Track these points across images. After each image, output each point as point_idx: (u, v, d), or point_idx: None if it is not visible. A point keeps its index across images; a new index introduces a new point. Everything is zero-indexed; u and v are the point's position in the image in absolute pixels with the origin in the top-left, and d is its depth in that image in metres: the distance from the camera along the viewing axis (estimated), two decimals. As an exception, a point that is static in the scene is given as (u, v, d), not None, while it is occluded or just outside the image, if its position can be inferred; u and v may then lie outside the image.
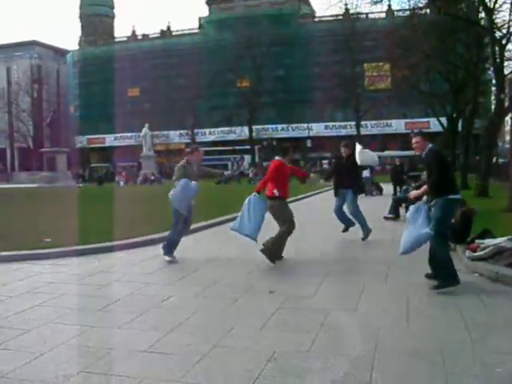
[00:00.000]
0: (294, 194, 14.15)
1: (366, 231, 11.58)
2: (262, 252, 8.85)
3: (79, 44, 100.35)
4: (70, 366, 4.48)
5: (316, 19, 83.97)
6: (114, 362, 4.61)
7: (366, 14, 64.13)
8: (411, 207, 7.42)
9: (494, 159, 36.38)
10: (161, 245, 9.75)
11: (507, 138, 66.53)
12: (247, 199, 9.09)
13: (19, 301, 6.65)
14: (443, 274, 7.00)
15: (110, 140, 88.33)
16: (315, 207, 20.73)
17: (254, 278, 7.88)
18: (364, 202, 23.57)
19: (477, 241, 8.88)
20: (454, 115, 34.90)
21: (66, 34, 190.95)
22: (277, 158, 9.44)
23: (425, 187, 7.35)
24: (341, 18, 66.25)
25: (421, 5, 25.90)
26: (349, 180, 11.64)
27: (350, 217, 11.84)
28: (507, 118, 31.41)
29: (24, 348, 4.92)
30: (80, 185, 47.38)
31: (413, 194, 7.64)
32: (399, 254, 7.50)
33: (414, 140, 7.35)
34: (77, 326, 5.59)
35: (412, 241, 7.21)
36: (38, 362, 4.60)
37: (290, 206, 9.65)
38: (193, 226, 13.45)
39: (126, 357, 4.70)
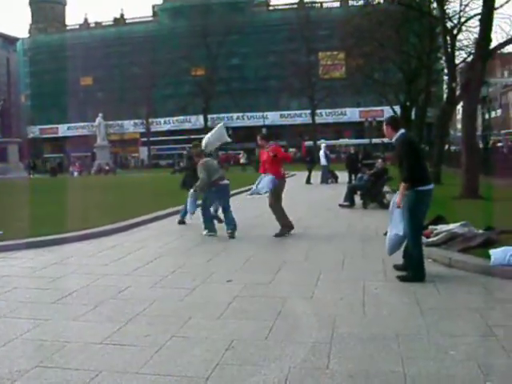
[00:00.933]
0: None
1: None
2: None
3: (29, 32, 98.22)
4: (24, 361, 4.38)
5: (271, 8, 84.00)
6: (69, 355, 4.53)
7: (321, 3, 64.65)
8: (392, 199, 7.27)
9: (446, 147, 37.09)
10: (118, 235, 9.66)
11: (459, 126, 67.86)
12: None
13: (-30, 295, 6.49)
14: (414, 269, 6.86)
15: (63, 130, 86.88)
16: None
17: (213, 267, 7.85)
18: (320, 190, 23.84)
19: (430, 227, 9.04)
20: (408, 104, 35.45)
21: (15, 22, 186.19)
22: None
23: (402, 185, 6.78)
24: (295, 6, 66.53)
25: (375, -6, 26.15)
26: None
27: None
28: (459, 107, 31.94)
29: (-24, 343, 4.80)
30: (31, 176, 46.48)
31: (397, 200, 6.86)
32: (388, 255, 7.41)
33: (384, 127, 7.18)
34: (31, 319, 5.47)
35: (390, 244, 7.16)
36: (-9, 357, 4.50)
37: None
38: (155, 215, 13.59)
39: (81, 349, 4.63)
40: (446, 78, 30.01)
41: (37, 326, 5.26)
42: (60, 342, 4.82)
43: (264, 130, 69.44)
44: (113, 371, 4.16)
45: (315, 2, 56.88)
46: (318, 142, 51.48)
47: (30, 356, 4.52)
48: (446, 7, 23.11)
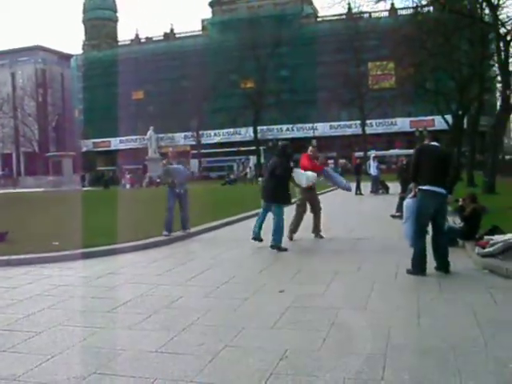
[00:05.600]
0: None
1: None
2: None
3: (83, 48, 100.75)
4: (81, 368, 4.47)
5: (319, 19, 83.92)
6: (125, 362, 4.59)
7: (369, 12, 64.09)
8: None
9: (500, 156, 36.25)
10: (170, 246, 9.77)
11: (512, 135, 66.36)
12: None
13: (29, 304, 6.65)
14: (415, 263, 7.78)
15: (115, 143, 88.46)
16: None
17: (264, 278, 7.86)
18: (371, 201, 23.63)
19: (486, 237, 8.86)
20: (460, 112, 34.81)
21: (70, 39, 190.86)
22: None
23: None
24: (344, 17, 66.26)
25: (424, 2, 25.81)
26: None
27: None
28: (512, 115, 31.24)
29: (35, 350, 4.92)
30: (84, 188, 47.29)
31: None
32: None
33: None
34: (87, 327, 5.58)
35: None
36: (50, 364, 4.59)
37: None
38: (208, 225, 13.87)
39: (137, 357, 4.69)
40: (499, 85, 29.37)
41: (93, 334, 5.36)
42: (116, 349, 4.90)
43: (314, 142, 69.41)
44: (168, 379, 4.20)
45: (364, 13, 56.42)
46: (369, 153, 51.06)
47: (87, 363, 4.60)
48: (498, 13, 22.66)
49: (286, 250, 10.09)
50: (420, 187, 7.85)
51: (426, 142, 8.41)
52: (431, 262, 7.82)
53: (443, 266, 7.79)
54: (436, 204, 7.76)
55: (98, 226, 13.38)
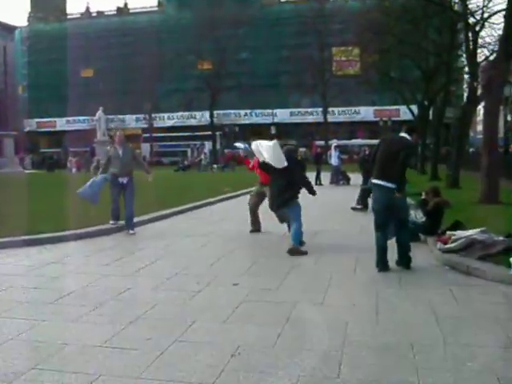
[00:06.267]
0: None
1: None
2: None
3: (28, 20, 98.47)
4: (20, 363, 4.41)
5: (282, 0, 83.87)
6: (67, 357, 4.55)
7: (335, -5, 64.43)
8: None
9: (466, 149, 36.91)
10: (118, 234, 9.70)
11: (479, 128, 67.65)
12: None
13: (-36, 293, 6.53)
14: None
15: (61, 124, 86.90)
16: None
17: (217, 270, 7.87)
18: (331, 192, 23.80)
19: (448, 232, 9.01)
20: (426, 103, 35.29)
21: (14, 9, 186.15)
22: None
23: None
24: (308, -2, 66.40)
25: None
26: None
27: None
28: (479, 107, 31.83)
29: (-30, 343, 4.84)
30: (26, 171, 46.42)
31: None
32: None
33: None
34: (27, 320, 5.50)
35: None
36: (-14, 358, 4.52)
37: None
38: (159, 214, 13.94)
39: (80, 352, 4.65)
40: (466, 76, 29.86)
41: (33, 327, 5.29)
42: (58, 343, 4.84)
43: (273, 129, 69.48)
44: (112, 375, 4.18)
45: (329, -6, 56.79)
46: (330, 142, 51.40)
47: (26, 358, 4.55)
48: (468, 2, 22.95)
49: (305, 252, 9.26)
50: (372, 181, 7.99)
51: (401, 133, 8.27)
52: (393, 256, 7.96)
53: (404, 262, 7.91)
54: (387, 199, 7.74)
55: (41, 212, 13.18)
